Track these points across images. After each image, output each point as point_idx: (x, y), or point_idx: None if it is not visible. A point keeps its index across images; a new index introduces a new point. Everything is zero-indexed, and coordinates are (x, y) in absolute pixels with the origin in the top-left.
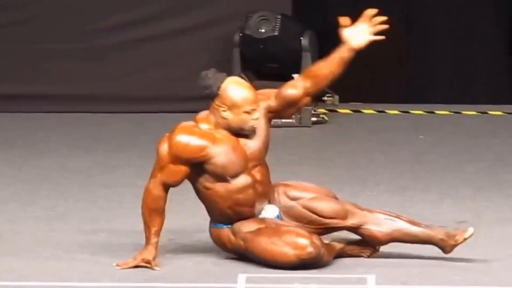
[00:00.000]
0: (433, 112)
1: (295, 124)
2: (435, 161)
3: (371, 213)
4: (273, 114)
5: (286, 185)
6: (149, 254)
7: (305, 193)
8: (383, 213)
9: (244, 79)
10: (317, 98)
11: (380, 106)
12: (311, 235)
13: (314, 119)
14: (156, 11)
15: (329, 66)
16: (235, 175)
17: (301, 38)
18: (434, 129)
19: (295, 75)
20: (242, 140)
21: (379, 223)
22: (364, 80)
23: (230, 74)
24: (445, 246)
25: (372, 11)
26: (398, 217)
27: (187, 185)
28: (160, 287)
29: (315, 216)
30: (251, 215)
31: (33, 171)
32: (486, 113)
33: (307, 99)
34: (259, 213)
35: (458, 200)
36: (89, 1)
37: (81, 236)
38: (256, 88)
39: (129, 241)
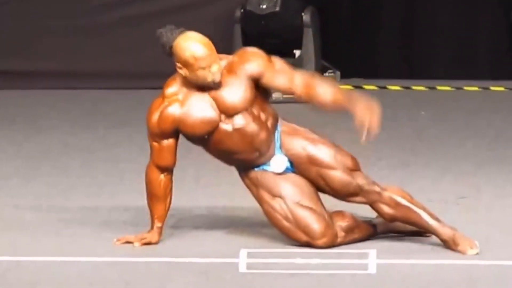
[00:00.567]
0: (434, 88)
1: (296, 100)
2: (436, 137)
3: (386, 192)
4: (256, 82)
5: (311, 140)
6: (152, 237)
7: (323, 157)
8: (399, 194)
9: None
10: (319, 74)
11: (381, 82)
12: (327, 220)
13: None
14: None
15: (327, 99)
16: (209, 130)
17: (303, 14)
18: (436, 105)
19: (297, 51)
20: (215, 97)
21: (391, 204)
22: (365, 56)
23: (230, 50)
24: (446, 245)
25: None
26: (412, 201)
27: (187, 161)
28: (161, 262)
29: (326, 187)
30: (255, 161)
31: (34, 147)
32: (488, 89)
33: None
34: (267, 161)
35: (458, 176)
36: None
37: (82, 212)
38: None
39: (130, 217)
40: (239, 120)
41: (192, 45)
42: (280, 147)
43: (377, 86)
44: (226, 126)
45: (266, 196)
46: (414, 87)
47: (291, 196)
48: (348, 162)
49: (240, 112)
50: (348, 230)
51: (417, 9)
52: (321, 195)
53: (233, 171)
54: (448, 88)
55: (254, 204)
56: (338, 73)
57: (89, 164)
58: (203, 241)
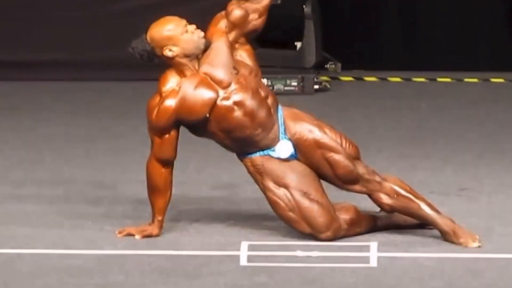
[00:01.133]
0: (435, 79)
1: (297, 92)
2: (436, 128)
3: (386, 182)
4: (241, 39)
5: (316, 124)
6: (153, 230)
7: (328, 141)
8: (398, 185)
9: None
10: (319, 65)
11: (382, 74)
12: (332, 213)
13: (316, 86)
14: None
15: None
16: (208, 109)
17: (304, 6)
18: (436, 96)
19: (298, 43)
20: (207, 73)
21: (391, 194)
22: (366, 48)
23: None
24: (446, 237)
25: None
26: (411, 192)
27: (188, 153)
28: (162, 255)
29: (330, 170)
30: (259, 141)
31: (37, 138)
32: (488, 80)
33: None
34: (271, 145)
35: (459, 167)
36: None
37: (84, 203)
38: (258, 55)
39: (132, 208)
40: (238, 94)
41: (161, 22)
42: (285, 131)
43: (378, 78)
44: (226, 102)
45: (271, 185)
46: (414, 79)
47: (297, 187)
48: (351, 149)
49: (237, 86)
50: (351, 224)
51: (417, 1)
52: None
53: (234, 163)
54: (448, 79)
55: (255, 196)
56: (339, 64)
57: (92, 155)
58: (204, 233)
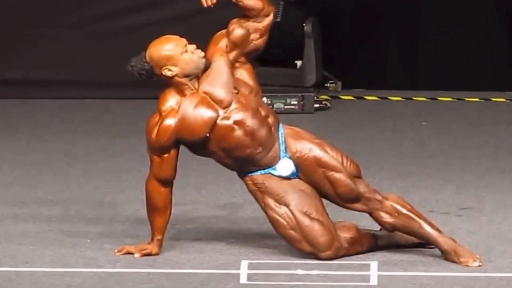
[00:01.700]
0: (436, 99)
1: (297, 111)
2: (437, 148)
3: (387, 200)
4: (242, 58)
5: (317, 142)
6: (152, 249)
7: (328, 159)
8: (399, 203)
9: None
10: (320, 84)
11: (383, 93)
12: (334, 232)
13: (316, 105)
14: None
15: None
16: (208, 128)
17: (304, 24)
18: (437, 115)
19: (298, 62)
20: (207, 93)
21: (391, 213)
22: (366, 67)
23: None
24: (446, 256)
25: None
26: (412, 210)
27: (188, 171)
28: (162, 273)
29: (331, 188)
30: (260, 159)
31: (36, 156)
32: (489, 99)
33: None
34: (272, 164)
35: (460, 186)
36: None
37: (83, 222)
38: (258, 74)
39: (132, 227)
40: (238, 114)
41: (161, 41)
42: (286, 150)
43: (378, 97)
44: (227, 121)
45: (272, 203)
46: (415, 98)
47: (298, 206)
48: (351, 168)
49: (237, 105)
50: (352, 243)
51: (418, 20)
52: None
53: (234, 180)
54: (449, 98)
55: (255, 215)
56: (340, 83)
57: (91, 173)
58: (203, 252)
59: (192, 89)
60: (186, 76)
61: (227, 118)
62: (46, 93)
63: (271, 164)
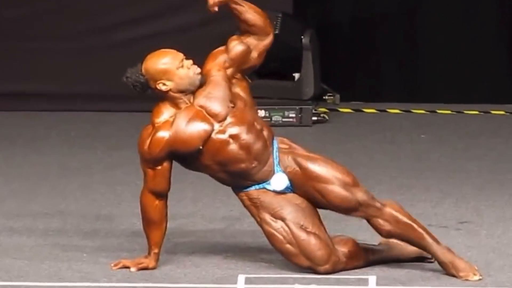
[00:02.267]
0: (435, 111)
1: (295, 123)
2: (436, 160)
3: (386, 208)
4: (238, 75)
5: (306, 156)
6: (149, 263)
7: (320, 172)
8: (398, 211)
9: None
10: (318, 97)
11: (381, 105)
12: (331, 246)
13: (314, 118)
14: (153, 10)
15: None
16: (202, 141)
17: (302, 36)
18: (436, 128)
19: (296, 74)
20: (203, 106)
21: (390, 221)
22: (365, 79)
23: None
24: (444, 268)
25: None
26: (411, 219)
27: (184, 184)
28: None
29: (324, 200)
30: (255, 174)
31: (32, 169)
32: (489, 112)
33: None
34: (267, 179)
35: (459, 199)
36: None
37: (79, 235)
38: (256, 86)
39: (128, 241)
40: (234, 128)
41: (157, 55)
42: (279, 164)
43: (377, 110)
44: (222, 135)
45: (267, 217)
46: (414, 110)
47: (294, 220)
48: (346, 178)
49: (233, 120)
50: (350, 257)
51: (417, 33)
52: (324, 210)
53: (230, 195)
54: (448, 111)
55: (252, 228)
56: (338, 96)
57: (87, 186)
58: (200, 266)
59: (187, 103)
60: (181, 91)
61: (223, 132)
62: (42, 105)
63: (265, 179)
